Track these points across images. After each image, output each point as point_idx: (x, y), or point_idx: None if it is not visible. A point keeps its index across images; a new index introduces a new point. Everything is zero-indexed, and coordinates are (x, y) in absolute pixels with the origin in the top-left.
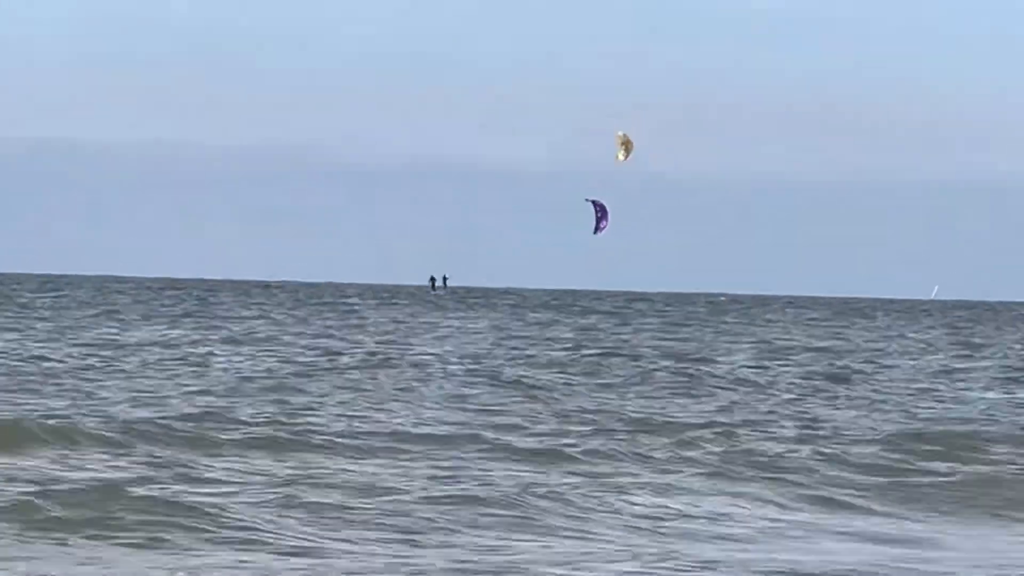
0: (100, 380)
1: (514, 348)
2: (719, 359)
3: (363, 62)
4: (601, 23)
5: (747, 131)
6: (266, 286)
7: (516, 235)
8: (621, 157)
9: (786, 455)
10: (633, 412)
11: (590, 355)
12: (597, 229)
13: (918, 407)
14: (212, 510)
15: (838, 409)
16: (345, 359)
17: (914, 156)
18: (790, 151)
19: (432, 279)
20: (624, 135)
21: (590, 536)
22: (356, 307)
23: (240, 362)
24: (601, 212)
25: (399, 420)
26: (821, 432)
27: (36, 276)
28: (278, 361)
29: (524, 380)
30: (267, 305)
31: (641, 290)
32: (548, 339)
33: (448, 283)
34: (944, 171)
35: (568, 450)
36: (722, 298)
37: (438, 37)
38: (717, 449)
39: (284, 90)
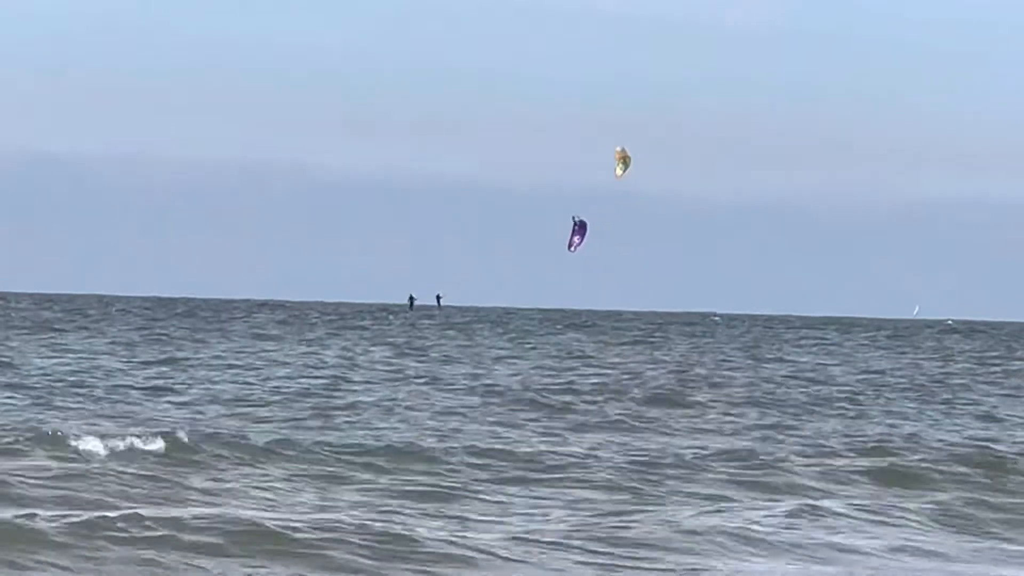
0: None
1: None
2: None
3: (347, 78)
4: (590, 41)
5: (724, 152)
6: (261, 304)
7: (489, 254)
8: (620, 172)
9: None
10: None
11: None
12: (571, 245)
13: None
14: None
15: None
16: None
17: (894, 176)
18: (768, 171)
19: (411, 298)
20: (622, 150)
21: None
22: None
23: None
24: (580, 228)
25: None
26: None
27: (17, 294)
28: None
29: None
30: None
31: (621, 309)
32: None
33: (442, 302)
34: (925, 191)
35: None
36: (716, 318)
37: (420, 55)
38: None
39: (267, 105)
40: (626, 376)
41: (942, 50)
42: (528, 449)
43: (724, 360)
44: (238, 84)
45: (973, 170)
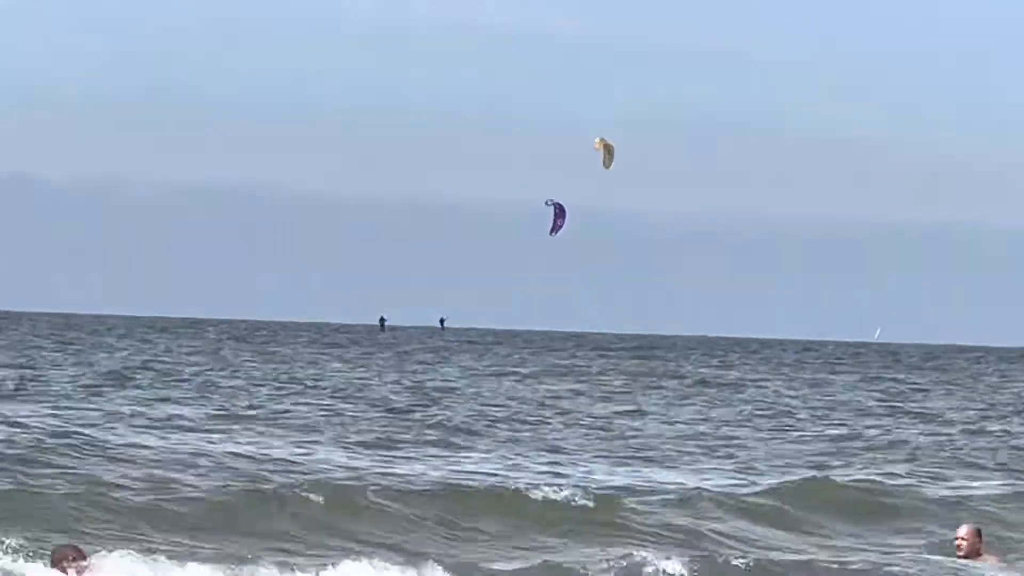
0: None
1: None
2: None
3: (336, 96)
4: (563, 65)
5: (695, 172)
6: (274, 325)
7: (468, 274)
8: (607, 162)
9: None
10: None
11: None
12: (554, 228)
13: None
14: None
15: None
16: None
17: (856, 200)
18: (731, 193)
19: (382, 319)
20: (602, 139)
21: None
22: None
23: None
24: (559, 211)
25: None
26: None
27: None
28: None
29: None
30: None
31: (603, 332)
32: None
33: (446, 324)
34: (884, 214)
35: None
36: None
37: (402, 76)
38: None
39: (242, 127)
40: None
41: (908, 80)
42: None
43: None
44: (202, 112)
45: (940, 194)
